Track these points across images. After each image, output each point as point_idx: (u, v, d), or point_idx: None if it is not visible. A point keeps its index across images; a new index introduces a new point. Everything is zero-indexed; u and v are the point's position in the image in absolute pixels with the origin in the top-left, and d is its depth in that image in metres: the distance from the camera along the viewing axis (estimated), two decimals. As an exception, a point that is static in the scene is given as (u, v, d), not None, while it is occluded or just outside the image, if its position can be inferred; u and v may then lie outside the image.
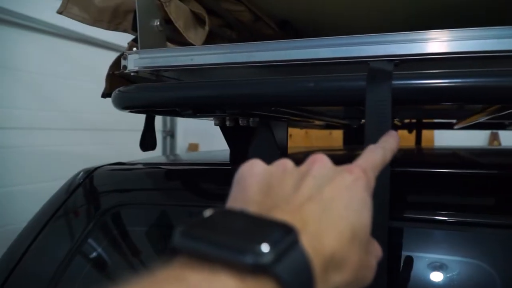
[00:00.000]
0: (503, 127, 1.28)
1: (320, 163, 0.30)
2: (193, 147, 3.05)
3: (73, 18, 0.64)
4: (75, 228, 0.60)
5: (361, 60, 0.44)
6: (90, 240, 0.59)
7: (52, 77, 2.46)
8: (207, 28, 0.62)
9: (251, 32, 0.84)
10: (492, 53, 0.42)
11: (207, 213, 0.24)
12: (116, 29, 0.65)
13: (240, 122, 0.51)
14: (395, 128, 1.29)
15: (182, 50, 0.53)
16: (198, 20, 0.65)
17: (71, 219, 0.62)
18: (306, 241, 0.23)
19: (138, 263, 0.57)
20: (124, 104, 0.51)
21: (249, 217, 0.24)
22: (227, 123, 0.55)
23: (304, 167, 0.30)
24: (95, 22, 0.64)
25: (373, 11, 0.84)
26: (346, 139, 1.33)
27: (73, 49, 2.46)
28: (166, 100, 0.47)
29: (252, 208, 0.27)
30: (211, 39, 0.80)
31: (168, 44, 0.63)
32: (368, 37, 0.44)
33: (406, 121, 1.30)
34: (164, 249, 0.58)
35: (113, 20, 0.64)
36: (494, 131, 2.70)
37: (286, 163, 0.31)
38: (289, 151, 0.67)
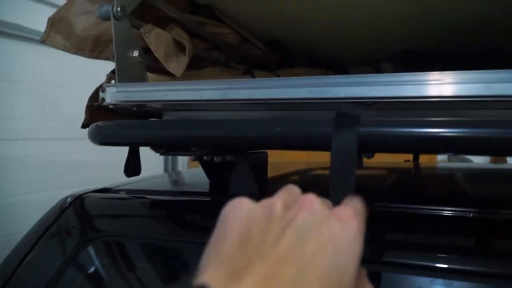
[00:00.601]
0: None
1: (308, 209, 0.28)
2: (194, 163, 3.04)
3: (55, 47, 0.64)
4: (56, 258, 0.61)
5: (333, 101, 0.44)
6: (70, 269, 0.59)
7: (51, 87, 2.49)
8: (187, 58, 0.61)
9: (238, 53, 0.84)
10: (468, 98, 0.41)
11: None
12: (98, 57, 0.65)
13: (215, 159, 0.51)
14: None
15: (157, 85, 0.53)
16: (181, 48, 0.65)
17: (52, 247, 0.63)
18: None
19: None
20: (99, 140, 0.51)
21: None
22: (204, 157, 0.54)
23: (291, 212, 0.29)
24: (77, 50, 0.64)
25: (364, 31, 0.84)
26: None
27: (72, 58, 2.46)
28: (136, 139, 0.47)
29: (224, 268, 0.25)
30: (198, 63, 0.79)
31: (149, 73, 0.62)
32: (341, 78, 0.44)
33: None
34: (141, 281, 0.57)
35: (95, 49, 0.64)
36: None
37: (273, 206, 0.29)
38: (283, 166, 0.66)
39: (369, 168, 1.09)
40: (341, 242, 0.27)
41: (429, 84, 0.42)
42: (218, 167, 0.57)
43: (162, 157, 3.08)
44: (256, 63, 0.89)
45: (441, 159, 2.20)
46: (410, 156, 1.36)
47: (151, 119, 0.54)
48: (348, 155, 0.38)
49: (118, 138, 0.49)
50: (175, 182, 0.79)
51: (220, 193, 0.60)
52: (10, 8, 2.21)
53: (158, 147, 0.50)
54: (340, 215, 0.29)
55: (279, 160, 1.61)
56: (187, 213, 0.59)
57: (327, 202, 0.32)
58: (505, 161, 2.54)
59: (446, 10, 0.70)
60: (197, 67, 0.78)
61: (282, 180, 0.80)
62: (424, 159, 1.76)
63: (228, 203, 0.29)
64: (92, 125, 0.52)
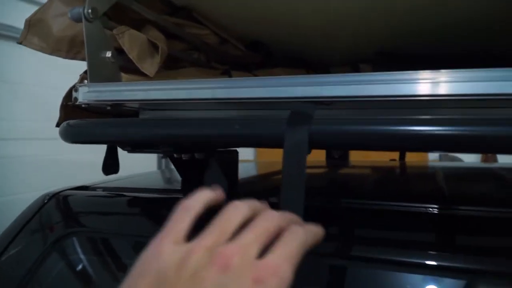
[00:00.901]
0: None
1: (222, 268, 0.26)
2: None
3: (32, 48, 0.65)
4: (33, 253, 0.62)
5: (293, 100, 0.45)
6: (43, 265, 0.60)
7: (50, 88, 2.50)
8: (159, 58, 0.62)
9: (218, 54, 0.85)
10: (419, 96, 0.42)
11: None
12: (74, 58, 0.66)
13: (183, 157, 0.52)
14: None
15: (128, 85, 0.54)
16: (156, 49, 0.66)
17: (29, 244, 0.64)
18: None
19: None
20: (70, 139, 0.52)
21: None
22: (175, 155, 0.56)
23: (205, 269, 0.26)
24: (53, 51, 0.65)
25: (342, 32, 0.85)
26: (329, 153, 1.33)
27: (69, 62, 2.49)
28: (103, 137, 0.48)
29: None
30: (177, 64, 0.81)
31: (123, 74, 0.64)
32: (298, 78, 0.45)
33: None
34: (113, 276, 0.58)
35: (71, 49, 0.66)
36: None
37: (191, 256, 0.27)
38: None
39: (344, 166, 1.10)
40: None
41: (383, 83, 0.43)
42: (190, 165, 0.58)
43: (155, 156, 3.09)
44: (237, 64, 0.90)
45: (433, 159, 2.21)
46: (396, 155, 1.37)
47: (116, 118, 0.55)
48: (299, 151, 0.39)
49: (86, 137, 0.50)
50: (154, 180, 0.80)
51: (190, 191, 0.61)
52: (9, 10, 2.23)
53: (122, 145, 0.51)
54: (267, 263, 0.27)
55: (269, 159, 1.62)
56: (157, 210, 0.60)
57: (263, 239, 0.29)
58: (496, 160, 2.55)
59: (424, 11, 0.71)
60: (175, 68, 0.79)
61: (254, 179, 0.82)
62: (413, 158, 1.77)
63: (150, 246, 0.29)
64: (63, 124, 0.54)
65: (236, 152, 0.60)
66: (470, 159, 2.26)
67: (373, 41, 0.90)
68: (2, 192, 2.28)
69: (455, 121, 0.38)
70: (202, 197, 0.33)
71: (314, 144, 0.39)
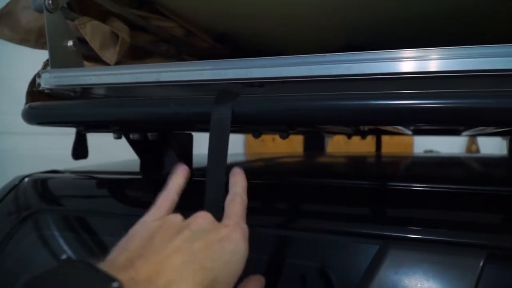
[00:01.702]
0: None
1: (201, 218, 0.35)
2: None
3: (3, 38, 0.70)
4: (1, 230, 0.66)
5: (228, 82, 0.49)
6: (12, 241, 0.64)
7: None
8: (118, 48, 0.66)
9: (187, 46, 0.89)
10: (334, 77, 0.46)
11: (59, 264, 0.29)
12: (42, 48, 0.71)
13: (135, 137, 0.56)
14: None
15: (84, 71, 0.58)
16: (118, 39, 0.70)
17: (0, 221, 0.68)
18: None
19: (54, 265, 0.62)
20: (30, 120, 0.56)
21: (89, 272, 0.27)
22: (131, 136, 0.60)
23: (187, 221, 0.35)
24: (22, 41, 0.70)
25: (310, 24, 0.88)
26: (306, 145, 1.37)
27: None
28: (58, 118, 0.52)
29: (123, 256, 0.31)
30: (146, 55, 0.85)
31: (86, 62, 0.68)
32: (232, 61, 0.49)
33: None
34: (80, 254, 0.63)
35: (38, 40, 0.70)
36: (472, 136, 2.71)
37: (175, 218, 0.36)
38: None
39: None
40: (226, 243, 0.33)
41: (308, 65, 0.47)
42: (145, 147, 0.62)
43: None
44: (207, 56, 0.94)
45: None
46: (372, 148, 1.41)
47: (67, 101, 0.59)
48: (223, 127, 0.43)
49: (40, 118, 0.54)
50: (120, 165, 0.85)
51: (147, 172, 0.65)
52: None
53: (76, 125, 0.55)
54: (227, 224, 0.35)
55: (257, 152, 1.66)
56: (117, 189, 0.65)
57: None
58: (478, 151, 2.61)
59: (393, 2, 0.74)
60: (144, 59, 0.83)
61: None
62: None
63: (140, 220, 0.37)
64: (25, 106, 0.58)
65: (191, 135, 0.64)
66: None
67: (341, 34, 0.93)
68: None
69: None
70: (176, 183, 0.43)
71: (237, 120, 0.43)
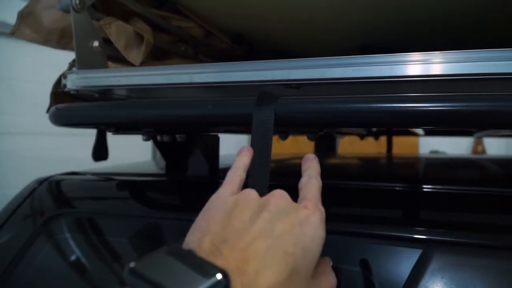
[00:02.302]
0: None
1: (279, 197, 0.34)
2: None
3: (24, 39, 0.69)
4: (23, 234, 0.65)
5: (264, 84, 0.48)
6: (34, 245, 0.63)
7: (47, 84, 2.54)
8: (143, 48, 0.66)
9: (205, 46, 0.88)
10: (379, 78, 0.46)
11: (158, 251, 0.27)
12: (64, 48, 0.70)
13: (164, 138, 0.55)
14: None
15: (112, 72, 0.57)
16: (142, 39, 0.69)
17: (20, 225, 0.67)
18: (240, 281, 0.26)
19: (77, 269, 0.61)
20: (57, 122, 0.55)
21: (192, 261, 0.27)
22: (158, 138, 0.59)
23: (264, 199, 0.34)
24: (45, 42, 0.69)
25: (326, 26, 0.88)
26: (318, 147, 1.37)
27: (64, 57, 2.53)
28: (87, 119, 0.51)
29: (207, 239, 0.30)
30: (165, 56, 0.84)
31: (110, 63, 0.67)
32: (268, 62, 0.48)
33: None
34: (101, 255, 0.62)
35: (61, 40, 0.69)
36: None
37: (250, 195, 0.35)
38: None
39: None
40: (306, 226, 0.32)
41: (348, 66, 0.46)
42: (173, 148, 0.61)
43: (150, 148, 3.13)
44: (224, 57, 0.93)
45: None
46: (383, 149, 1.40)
47: (97, 102, 0.58)
48: (265, 129, 0.42)
49: (70, 119, 0.53)
50: (143, 167, 0.84)
51: (172, 174, 0.65)
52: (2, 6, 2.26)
53: (106, 127, 0.54)
54: (306, 205, 0.34)
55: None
56: (142, 192, 0.64)
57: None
58: (484, 151, 2.62)
59: (408, 3, 0.74)
60: (163, 59, 0.82)
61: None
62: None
63: (214, 195, 0.35)
64: (52, 108, 0.57)
65: (217, 137, 0.64)
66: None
67: (356, 35, 0.93)
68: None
69: (416, 98, 0.41)
70: (243, 162, 0.40)
71: (279, 122, 0.43)
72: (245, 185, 0.41)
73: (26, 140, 2.49)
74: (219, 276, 0.26)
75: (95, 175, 0.73)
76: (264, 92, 0.44)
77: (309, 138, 0.58)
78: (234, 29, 0.90)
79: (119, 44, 0.64)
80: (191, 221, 0.57)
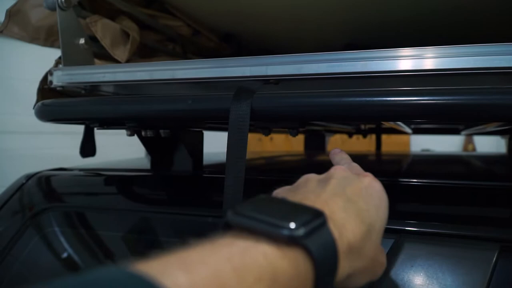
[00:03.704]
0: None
1: (341, 169, 0.36)
2: None
3: (12, 37, 0.70)
4: (11, 228, 0.66)
5: (241, 79, 0.50)
6: (21, 240, 0.64)
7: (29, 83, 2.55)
8: (129, 46, 0.67)
9: (193, 45, 0.90)
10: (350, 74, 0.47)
11: (256, 197, 0.29)
12: (52, 45, 0.71)
13: (148, 133, 0.57)
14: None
15: (97, 68, 0.58)
16: (128, 37, 0.71)
17: (8, 219, 0.68)
18: (333, 226, 0.28)
19: (64, 262, 0.62)
20: (43, 117, 0.57)
21: (288, 203, 0.29)
22: (143, 133, 0.60)
23: (326, 173, 0.36)
24: (32, 39, 0.70)
25: (313, 24, 0.89)
26: (307, 144, 1.38)
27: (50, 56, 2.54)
28: (72, 114, 0.52)
29: (296, 196, 0.32)
30: (153, 54, 0.85)
31: (97, 60, 0.68)
32: (246, 59, 0.50)
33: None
34: (87, 249, 0.63)
35: (48, 38, 0.70)
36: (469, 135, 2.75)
37: (314, 175, 0.37)
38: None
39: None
40: (372, 189, 0.34)
41: (324, 62, 0.48)
42: (157, 144, 0.63)
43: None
44: (212, 55, 0.95)
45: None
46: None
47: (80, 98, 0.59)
48: (242, 122, 0.44)
49: (55, 114, 0.54)
50: (130, 163, 0.85)
51: (157, 169, 0.66)
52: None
53: (91, 122, 0.55)
54: (365, 175, 0.36)
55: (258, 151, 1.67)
56: (130, 187, 0.65)
57: None
58: (474, 150, 2.64)
59: (394, 2, 0.75)
60: (151, 57, 0.84)
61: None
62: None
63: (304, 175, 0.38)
64: (38, 103, 0.58)
65: (201, 133, 0.65)
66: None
67: (342, 35, 0.94)
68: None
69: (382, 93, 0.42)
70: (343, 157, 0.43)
71: (256, 116, 0.44)
72: (213, 183, 0.42)
73: (23, 139, 2.50)
74: (316, 213, 0.27)
75: (82, 171, 0.74)
76: (241, 87, 0.45)
77: (290, 134, 0.60)
78: (222, 28, 0.91)
79: (105, 42, 0.66)
80: (172, 214, 0.58)
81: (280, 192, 0.36)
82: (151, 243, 0.59)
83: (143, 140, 0.62)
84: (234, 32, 0.94)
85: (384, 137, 1.99)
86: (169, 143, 0.63)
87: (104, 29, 0.66)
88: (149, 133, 0.57)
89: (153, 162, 0.66)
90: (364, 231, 0.30)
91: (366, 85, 0.53)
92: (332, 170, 0.36)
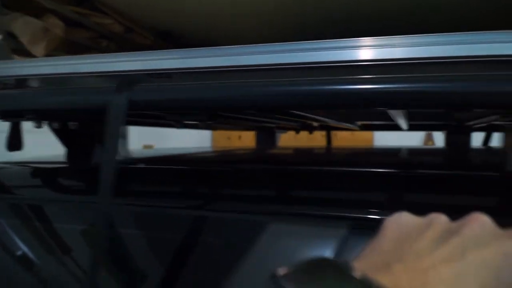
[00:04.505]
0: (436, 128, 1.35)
1: (477, 223, 0.27)
2: (148, 148, 3.15)
3: None
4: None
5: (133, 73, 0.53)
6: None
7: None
8: (45, 43, 0.69)
9: (127, 42, 0.92)
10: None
11: (310, 260, 0.25)
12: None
13: (53, 125, 0.60)
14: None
15: (16, 63, 0.61)
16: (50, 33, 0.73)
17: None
18: None
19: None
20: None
21: (350, 279, 0.23)
22: (53, 126, 0.63)
23: (459, 222, 0.28)
24: None
25: (256, 23, 0.91)
26: (258, 141, 1.42)
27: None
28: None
29: (376, 256, 0.27)
30: (87, 52, 0.88)
31: (17, 56, 0.71)
32: (144, 54, 0.53)
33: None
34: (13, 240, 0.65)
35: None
36: (429, 132, 2.84)
37: (438, 217, 0.29)
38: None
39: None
40: None
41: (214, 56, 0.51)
42: (69, 136, 0.66)
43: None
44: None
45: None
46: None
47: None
48: (119, 114, 0.47)
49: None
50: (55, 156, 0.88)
51: (72, 160, 0.69)
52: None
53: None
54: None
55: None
56: (47, 178, 0.68)
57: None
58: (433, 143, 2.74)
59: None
60: (81, 54, 0.86)
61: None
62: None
63: (392, 216, 0.31)
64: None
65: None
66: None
67: (290, 31, 0.96)
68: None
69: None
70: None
71: (133, 107, 0.47)
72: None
73: None
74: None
75: (15, 165, 0.77)
76: (121, 80, 0.49)
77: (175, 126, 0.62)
78: (160, 26, 0.94)
79: (23, 39, 0.68)
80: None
81: (378, 244, 0.28)
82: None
83: (55, 132, 0.65)
84: (171, 30, 0.96)
85: (347, 134, 2.05)
86: (82, 136, 0.66)
87: (24, 26, 0.69)
88: (55, 125, 0.59)
89: (68, 155, 0.69)
90: None
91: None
92: (467, 221, 0.28)
